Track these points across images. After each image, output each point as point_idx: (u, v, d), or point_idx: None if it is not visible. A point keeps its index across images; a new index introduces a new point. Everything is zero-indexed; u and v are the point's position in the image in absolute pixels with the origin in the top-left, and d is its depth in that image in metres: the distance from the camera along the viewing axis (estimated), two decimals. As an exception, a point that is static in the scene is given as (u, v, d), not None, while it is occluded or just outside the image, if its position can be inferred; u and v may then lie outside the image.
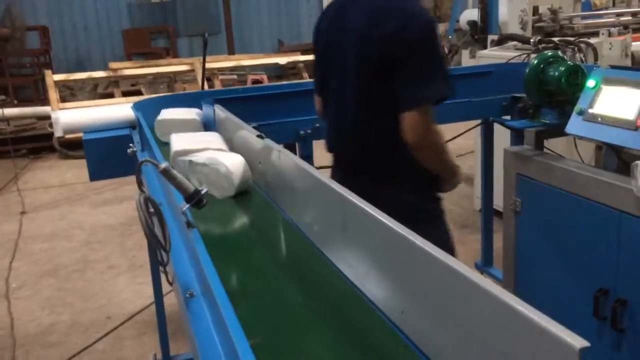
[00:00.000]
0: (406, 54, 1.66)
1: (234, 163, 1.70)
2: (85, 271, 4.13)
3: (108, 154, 2.54)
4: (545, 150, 2.44)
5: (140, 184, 1.06)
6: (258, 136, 1.68)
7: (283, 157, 1.55)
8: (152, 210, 1.09)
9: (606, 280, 2.02)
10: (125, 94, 8.10)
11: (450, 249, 2.01)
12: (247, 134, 1.86)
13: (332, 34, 1.91)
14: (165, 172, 1.03)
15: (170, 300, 3.18)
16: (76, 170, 6.80)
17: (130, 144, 2.35)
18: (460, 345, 0.78)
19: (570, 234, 2.19)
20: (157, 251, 1.03)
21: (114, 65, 8.29)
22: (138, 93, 8.15)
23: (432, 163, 1.81)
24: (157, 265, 2.81)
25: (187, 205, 1.04)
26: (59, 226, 5.04)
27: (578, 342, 0.58)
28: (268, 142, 1.63)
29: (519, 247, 2.50)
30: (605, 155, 2.17)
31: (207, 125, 2.45)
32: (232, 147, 2.02)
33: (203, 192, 1.04)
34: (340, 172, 2.03)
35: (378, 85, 1.73)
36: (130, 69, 8.28)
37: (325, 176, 1.38)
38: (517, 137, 2.61)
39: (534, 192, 2.34)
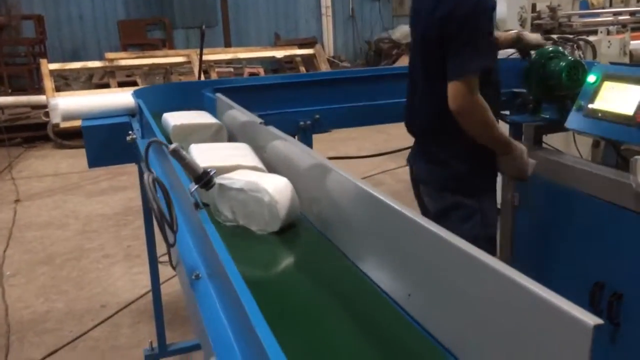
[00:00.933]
0: (456, 29, 1.84)
1: (278, 189, 1.33)
2: (80, 260, 4.12)
3: (107, 141, 2.53)
4: (543, 145, 2.45)
5: (147, 164, 1.06)
6: (260, 123, 1.68)
7: (287, 145, 1.55)
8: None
9: (603, 274, 2.04)
10: (121, 85, 8.06)
11: (489, 227, 2.08)
12: (250, 121, 1.80)
13: (412, 18, 2.14)
14: (175, 153, 1.03)
15: (167, 289, 3.18)
16: (70, 159, 6.77)
17: (130, 132, 2.34)
18: (477, 326, 0.79)
19: (567, 229, 2.21)
20: (165, 232, 1.03)
21: (110, 55, 8.24)
22: (133, 84, 8.11)
23: (476, 134, 1.92)
24: (154, 252, 2.82)
25: (196, 186, 1.04)
26: (54, 215, 5.02)
27: (592, 319, 0.59)
28: (271, 129, 1.63)
29: (515, 241, 2.52)
30: (604, 151, 2.19)
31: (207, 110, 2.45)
32: (234, 136, 2.01)
33: (212, 172, 1.04)
34: (415, 145, 2.26)
35: (436, 60, 1.92)
36: (127, 60, 8.24)
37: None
38: (516, 132, 2.62)
39: (532, 187, 2.35)
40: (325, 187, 1.32)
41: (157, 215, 0.97)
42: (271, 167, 1.59)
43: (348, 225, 1.24)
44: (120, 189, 5.57)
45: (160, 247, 2.85)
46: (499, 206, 2.60)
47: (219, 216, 1.40)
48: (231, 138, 2.03)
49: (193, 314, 1.07)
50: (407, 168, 2.34)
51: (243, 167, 1.48)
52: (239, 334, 0.87)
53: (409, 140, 2.38)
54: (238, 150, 1.68)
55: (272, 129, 1.68)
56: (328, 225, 1.34)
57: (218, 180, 1.36)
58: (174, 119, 2.10)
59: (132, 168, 4.86)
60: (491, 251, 2.07)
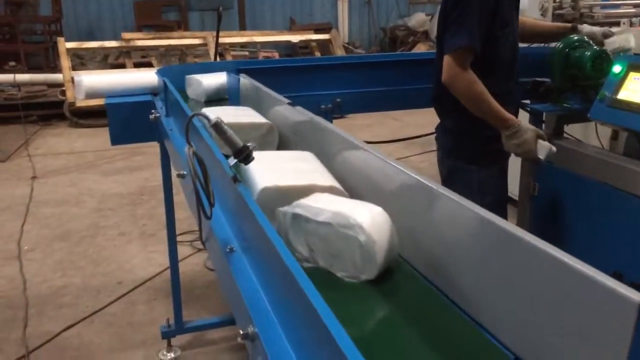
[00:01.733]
0: (451, 7, 2.05)
1: (375, 224, 1.03)
2: (96, 237, 4.17)
3: (130, 119, 2.56)
4: (565, 135, 2.45)
5: (188, 138, 1.08)
6: (289, 104, 1.69)
7: (315, 124, 1.55)
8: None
9: (621, 265, 2.04)
10: (136, 65, 8.08)
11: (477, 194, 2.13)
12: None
13: None
14: (217, 127, 1.05)
15: (181, 268, 3.21)
16: (86, 138, 6.83)
17: (153, 110, 2.36)
18: (528, 305, 0.80)
19: (586, 219, 2.21)
20: (202, 206, 1.05)
21: (126, 35, 8.26)
22: (148, 65, 8.13)
23: (466, 105, 2.06)
24: (173, 229, 2.84)
25: (235, 160, 1.06)
26: (70, 192, 5.08)
27: (638, 296, 0.61)
28: (299, 109, 1.64)
29: (533, 230, 2.53)
30: (627, 142, 2.19)
31: (231, 94, 2.47)
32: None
33: (252, 147, 1.06)
34: None
35: (442, 35, 2.14)
36: (143, 40, 8.26)
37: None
38: (536, 121, 2.62)
39: (552, 177, 2.36)
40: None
41: (197, 188, 0.99)
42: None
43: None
44: (135, 168, 5.61)
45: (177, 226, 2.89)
46: (514, 194, 2.61)
47: (292, 253, 1.07)
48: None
49: (227, 286, 1.10)
50: (422, 155, 2.42)
51: (318, 187, 1.21)
52: (278, 305, 0.89)
53: (423, 128, 2.41)
54: (305, 162, 1.37)
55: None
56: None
57: (292, 209, 1.12)
58: (215, 115, 1.87)
59: (148, 148, 4.87)
60: None
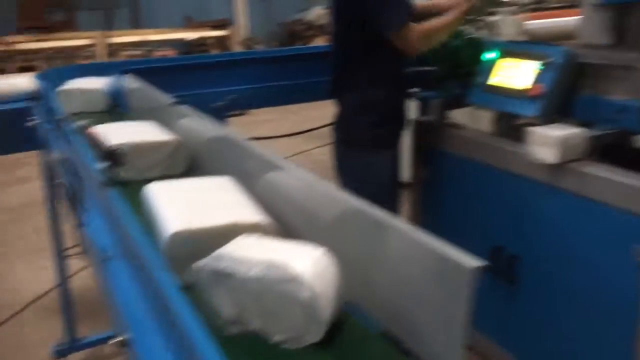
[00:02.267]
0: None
1: (318, 273, 0.85)
2: (-21, 256, 3.87)
3: (6, 128, 2.39)
4: (450, 120, 2.58)
5: (57, 144, 1.03)
6: (176, 103, 1.63)
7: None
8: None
9: (502, 238, 2.18)
10: (21, 70, 7.57)
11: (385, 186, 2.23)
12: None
13: None
14: (82, 130, 1.01)
15: (74, 283, 3.04)
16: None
17: (31, 117, 2.22)
18: (374, 274, 0.84)
19: (471, 199, 2.35)
20: (75, 212, 1.00)
21: (8, 38, 7.72)
22: (32, 70, 7.64)
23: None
24: (59, 243, 2.68)
25: (104, 165, 1.02)
26: (-51, 211, 4.68)
27: (473, 262, 0.66)
28: (185, 108, 1.60)
29: (423, 214, 2.64)
30: (502, 123, 2.34)
31: (116, 97, 2.37)
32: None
33: (122, 149, 1.02)
34: None
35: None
36: (27, 43, 7.76)
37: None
38: (424, 107, 2.73)
39: (439, 161, 2.48)
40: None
41: (67, 196, 0.94)
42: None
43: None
44: (20, 181, 5.26)
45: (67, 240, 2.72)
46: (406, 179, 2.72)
47: (215, 318, 0.89)
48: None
49: (106, 292, 1.06)
50: (322, 148, 2.48)
51: (242, 226, 0.98)
52: (153, 310, 0.87)
53: (322, 121, 2.44)
54: (224, 191, 1.13)
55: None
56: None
57: (212, 262, 0.88)
58: (111, 134, 1.43)
59: (31, 159, 4.56)
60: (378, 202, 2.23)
